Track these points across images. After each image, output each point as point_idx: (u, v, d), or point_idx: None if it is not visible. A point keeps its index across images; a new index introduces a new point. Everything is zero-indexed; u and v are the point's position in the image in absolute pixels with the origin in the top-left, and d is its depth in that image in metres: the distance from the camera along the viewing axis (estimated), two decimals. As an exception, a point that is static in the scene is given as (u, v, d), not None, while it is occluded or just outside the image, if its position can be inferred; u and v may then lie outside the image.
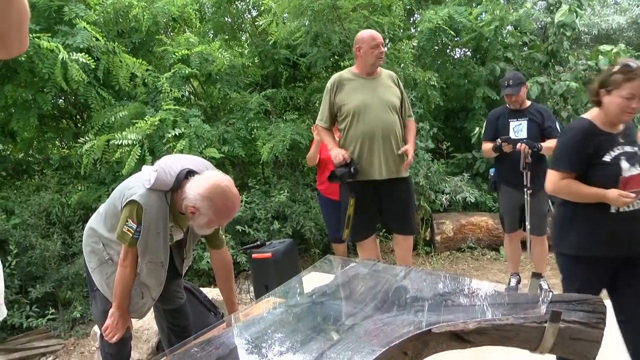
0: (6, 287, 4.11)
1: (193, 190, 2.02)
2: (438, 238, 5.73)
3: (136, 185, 2.11)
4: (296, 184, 5.90)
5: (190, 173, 2.11)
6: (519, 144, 3.80)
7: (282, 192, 5.36)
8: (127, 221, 2.07)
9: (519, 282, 4.34)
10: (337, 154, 3.29)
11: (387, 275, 2.13)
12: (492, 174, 4.27)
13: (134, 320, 2.42)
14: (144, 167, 2.20)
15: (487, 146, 4.06)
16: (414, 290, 1.93)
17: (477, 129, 6.06)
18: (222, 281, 2.50)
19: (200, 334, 1.79)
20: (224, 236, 2.44)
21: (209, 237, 2.38)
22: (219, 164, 5.34)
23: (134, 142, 4.56)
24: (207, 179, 2.05)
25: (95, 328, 3.39)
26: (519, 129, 3.95)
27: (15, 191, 5.10)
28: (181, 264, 2.50)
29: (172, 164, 2.13)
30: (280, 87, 6.32)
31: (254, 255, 4.01)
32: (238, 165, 6.04)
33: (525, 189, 3.90)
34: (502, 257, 5.47)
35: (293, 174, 6.11)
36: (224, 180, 2.04)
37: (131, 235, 2.08)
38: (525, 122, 3.94)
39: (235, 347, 1.61)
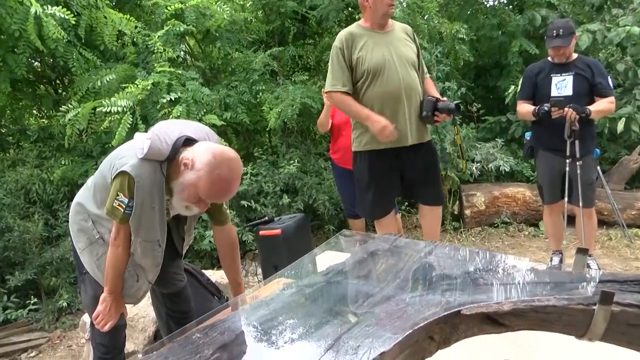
0: (-20, 275, 4.15)
1: (194, 149, 2.04)
2: (468, 212, 5.72)
3: (127, 154, 2.11)
4: (307, 153, 5.92)
5: (188, 141, 2.11)
6: (566, 108, 3.72)
7: (291, 162, 5.38)
8: (117, 195, 2.08)
9: (561, 261, 4.33)
10: (383, 130, 3.22)
11: (410, 252, 2.14)
12: (527, 138, 4.22)
13: (128, 307, 2.45)
14: (137, 135, 2.20)
15: (524, 107, 4.00)
16: (440, 267, 1.93)
17: (512, 87, 5.99)
18: (227, 261, 2.52)
19: (203, 318, 1.81)
20: (228, 211, 2.45)
21: (211, 212, 2.39)
22: (221, 133, 5.35)
23: (124, 109, 4.57)
24: (215, 145, 2.07)
25: (85, 317, 3.45)
26: (562, 85, 3.88)
27: (-14, 166, 5.12)
28: (181, 243, 2.52)
29: (168, 130, 2.12)
30: (288, 45, 6.28)
31: (261, 233, 4.05)
32: (242, 133, 6.05)
33: (569, 158, 3.86)
34: (541, 234, 5.45)
35: (304, 142, 6.13)
36: (233, 154, 2.04)
37: (122, 210, 2.09)
38: (571, 77, 3.86)
39: (242, 333, 1.63)
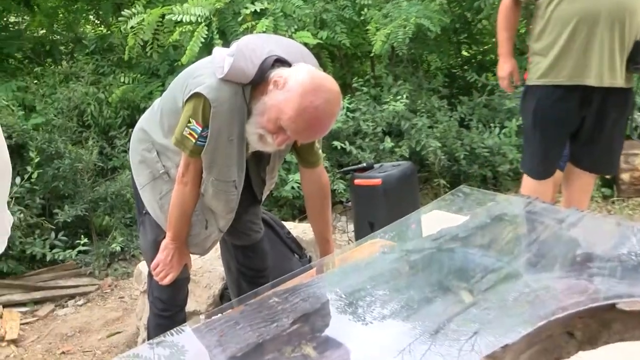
0: (25, 206, 4.41)
1: (290, 69, 2.02)
2: (625, 177, 5.47)
3: (205, 73, 2.11)
4: (418, 88, 5.84)
5: (279, 62, 2.10)
6: None
7: (398, 98, 5.32)
8: (189, 122, 2.09)
9: None
10: (500, 76, 3.18)
11: (547, 220, 2.07)
12: None
13: (193, 258, 2.53)
14: (216, 50, 2.20)
15: None
16: (588, 244, 1.87)
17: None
18: (315, 211, 2.52)
19: (281, 280, 1.83)
20: (320, 149, 2.43)
21: (300, 150, 2.38)
22: (315, 55, 5.31)
23: (199, 18, 4.63)
24: (317, 70, 2.05)
25: (141, 266, 3.57)
26: None
27: (35, 80, 5.36)
28: (261, 186, 2.53)
29: (255, 47, 2.09)
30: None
31: (356, 181, 4.04)
32: (339, 58, 6.03)
33: None
34: None
35: (415, 74, 6.04)
36: (335, 86, 2.01)
37: (194, 141, 2.10)
38: None
39: (327, 301, 1.64)
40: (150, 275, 2.47)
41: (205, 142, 2.09)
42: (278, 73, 2.00)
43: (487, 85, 5.93)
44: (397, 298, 1.64)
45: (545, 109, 3.27)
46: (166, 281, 2.36)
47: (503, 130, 5.46)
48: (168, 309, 2.52)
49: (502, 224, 2.09)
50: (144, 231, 2.51)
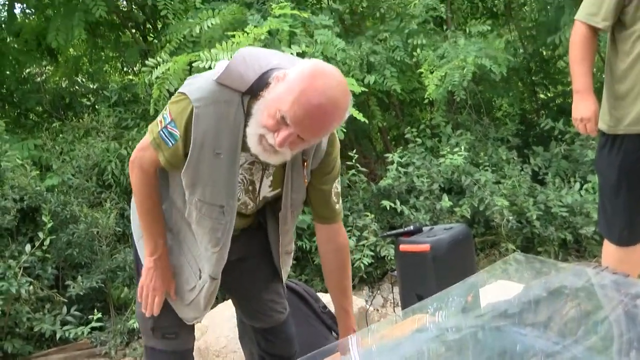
0: (36, 277, 4.47)
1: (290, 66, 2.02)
2: None
3: (203, 77, 2.15)
4: (483, 137, 5.84)
5: None
6: None
7: (457, 150, 5.32)
8: (164, 110, 2.14)
9: None
10: (579, 120, 3.17)
11: (619, 296, 2.02)
12: None
13: (214, 334, 2.52)
14: (221, 61, 2.23)
15: None
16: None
17: None
18: (332, 276, 2.50)
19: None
20: (339, 204, 2.40)
21: (314, 201, 2.38)
22: (361, 103, 5.38)
23: (230, 65, 4.71)
24: (319, 60, 2.07)
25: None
26: None
27: (53, 136, 5.51)
28: (276, 242, 2.50)
29: (261, 56, 2.12)
30: (465, -21, 6.22)
31: (401, 247, 4.00)
32: (391, 105, 6.05)
33: None
34: None
35: (479, 122, 6.03)
36: (338, 72, 1.99)
37: (159, 128, 2.14)
38: None
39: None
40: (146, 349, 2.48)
41: (172, 142, 2.12)
42: (280, 71, 1.99)
43: (566, 132, 5.87)
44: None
45: (634, 163, 3.21)
46: (155, 310, 2.36)
47: (585, 186, 5.39)
48: None
49: (561, 299, 2.03)
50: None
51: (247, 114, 2.04)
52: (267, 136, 1.97)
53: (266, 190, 2.32)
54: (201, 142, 2.07)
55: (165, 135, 2.11)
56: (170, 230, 2.38)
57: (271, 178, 2.30)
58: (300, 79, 1.89)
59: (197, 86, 2.07)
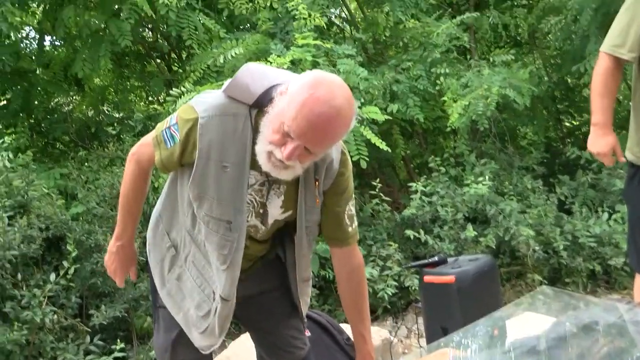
0: (60, 306, 4.47)
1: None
2: None
3: (212, 93, 2.20)
4: (508, 166, 5.81)
5: None
6: None
7: (481, 179, 5.29)
8: (174, 114, 2.19)
9: None
10: (598, 154, 3.16)
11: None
12: None
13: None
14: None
15: None
16: None
17: None
18: (348, 300, 2.49)
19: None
20: (353, 227, 2.38)
21: (325, 222, 2.35)
22: (384, 131, 5.38)
23: (253, 94, 4.73)
24: (320, 71, 2.11)
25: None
26: None
27: (79, 165, 5.56)
28: (293, 268, 2.46)
29: (268, 72, 2.16)
30: (488, 8, 6.22)
31: (426, 278, 3.98)
32: (414, 133, 6.04)
33: None
34: None
35: (503, 151, 6.01)
36: (339, 80, 2.01)
37: (163, 128, 2.17)
38: None
39: None
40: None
41: (170, 143, 2.15)
42: (283, 86, 2.01)
43: (593, 161, 5.81)
44: None
45: None
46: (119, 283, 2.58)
47: (614, 216, 5.33)
48: None
49: (592, 335, 1.99)
50: (157, 327, 2.52)
51: (255, 130, 2.06)
52: (275, 152, 1.98)
53: (277, 212, 2.30)
54: (207, 153, 2.08)
55: (167, 136, 2.15)
56: (180, 256, 2.38)
57: (282, 198, 2.27)
58: (301, 90, 1.91)
59: (205, 99, 2.13)
